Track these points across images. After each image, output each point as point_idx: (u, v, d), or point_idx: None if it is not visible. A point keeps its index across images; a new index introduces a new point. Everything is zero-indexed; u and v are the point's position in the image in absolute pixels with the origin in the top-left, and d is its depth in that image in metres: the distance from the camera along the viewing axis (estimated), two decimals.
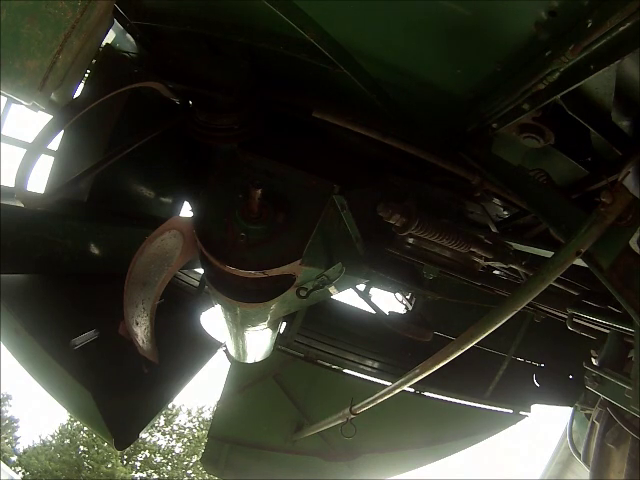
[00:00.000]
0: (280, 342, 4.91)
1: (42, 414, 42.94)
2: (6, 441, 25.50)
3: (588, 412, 3.99)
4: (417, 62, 2.11)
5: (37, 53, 1.61)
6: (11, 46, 1.59)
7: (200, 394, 39.04)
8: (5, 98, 2.77)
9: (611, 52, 1.54)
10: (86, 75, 2.94)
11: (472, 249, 2.40)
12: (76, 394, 3.22)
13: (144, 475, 26.45)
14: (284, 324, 5.01)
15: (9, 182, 2.78)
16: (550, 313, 3.74)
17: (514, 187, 2.17)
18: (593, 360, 2.74)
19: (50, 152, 3.30)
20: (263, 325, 2.83)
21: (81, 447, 25.56)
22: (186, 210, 4.42)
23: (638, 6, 1.30)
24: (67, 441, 25.75)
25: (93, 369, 3.23)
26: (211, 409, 26.11)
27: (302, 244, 2.24)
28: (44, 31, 1.59)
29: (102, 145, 3.01)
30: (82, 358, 3.18)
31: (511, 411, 5.39)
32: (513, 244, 2.46)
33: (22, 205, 2.04)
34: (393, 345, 5.27)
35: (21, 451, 25.93)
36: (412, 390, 5.10)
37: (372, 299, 3.23)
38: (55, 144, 3.34)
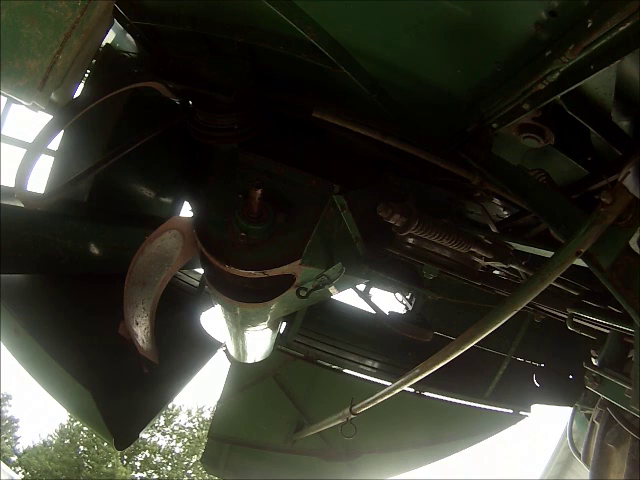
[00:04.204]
0: (280, 342, 4.90)
1: (42, 414, 42.94)
2: (6, 441, 25.47)
3: (588, 412, 3.98)
4: (417, 62, 2.11)
5: (37, 53, 1.61)
6: (11, 46, 1.59)
7: (200, 394, 39.06)
8: (5, 98, 2.77)
9: (611, 52, 1.54)
10: (86, 75, 2.94)
11: (472, 249, 2.40)
12: (76, 394, 3.22)
13: (144, 475, 26.44)
14: (284, 324, 5.01)
15: (9, 182, 2.79)
16: (550, 313, 3.74)
17: (514, 187, 2.17)
18: (593, 360, 2.74)
19: (50, 152, 3.30)
20: (263, 325, 2.83)
21: (81, 447, 25.53)
22: (186, 210, 4.43)
23: (638, 6, 1.30)
24: (67, 441, 25.73)
25: (93, 369, 3.23)
26: (211, 409, 26.10)
27: (302, 244, 2.24)
28: (44, 31, 1.59)
29: (102, 145, 3.01)
30: (82, 358, 3.19)
31: (511, 411, 5.39)
32: (513, 244, 2.46)
33: (22, 205, 2.03)
34: (393, 345, 5.27)
35: (21, 451, 25.91)
36: (412, 390, 5.10)
37: (372, 299, 3.22)
38: (55, 144, 3.35)
